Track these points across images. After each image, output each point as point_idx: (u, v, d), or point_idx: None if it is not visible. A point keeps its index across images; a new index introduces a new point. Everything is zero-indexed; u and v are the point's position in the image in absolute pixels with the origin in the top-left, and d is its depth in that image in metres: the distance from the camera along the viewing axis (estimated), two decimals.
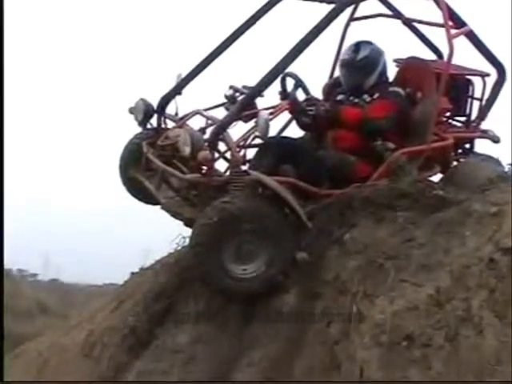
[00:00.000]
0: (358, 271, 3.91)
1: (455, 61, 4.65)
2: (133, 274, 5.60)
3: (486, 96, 4.96)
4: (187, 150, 4.15)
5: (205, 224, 3.95)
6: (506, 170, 4.77)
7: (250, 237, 4.00)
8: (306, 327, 3.91)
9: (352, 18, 5.13)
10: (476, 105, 5.01)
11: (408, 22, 5.10)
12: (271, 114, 4.60)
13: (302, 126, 4.75)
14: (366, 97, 4.67)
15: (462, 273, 3.54)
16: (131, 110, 4.94)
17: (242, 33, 4.83)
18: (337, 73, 5.09)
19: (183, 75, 4.92)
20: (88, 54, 18.15)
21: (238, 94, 4.69)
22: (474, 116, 5.02)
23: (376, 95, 4.63)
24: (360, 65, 4.65)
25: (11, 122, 6.29)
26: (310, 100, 4.52)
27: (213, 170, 4.18)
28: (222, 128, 4.22)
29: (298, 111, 4.56)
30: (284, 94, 4.65)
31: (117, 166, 5.05)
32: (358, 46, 4.71)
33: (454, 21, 4.56)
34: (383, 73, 4.74)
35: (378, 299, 3.74)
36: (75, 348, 5.01)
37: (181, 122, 4.73)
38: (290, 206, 4.05)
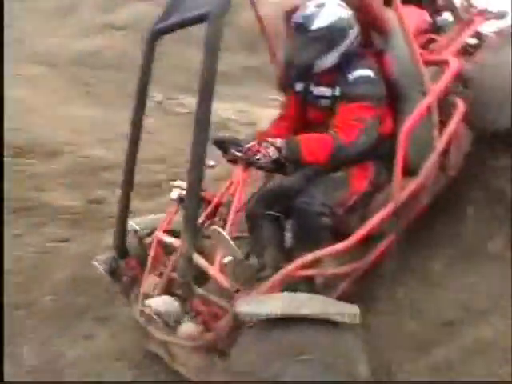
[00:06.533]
0: None
1: None
2: None
3: None
4: None
5: None
6: None
7: None
8: None
9: None
10: None
11: None
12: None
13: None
14: (338, 91, 3.36)
15: None
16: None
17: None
18: None
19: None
20: None
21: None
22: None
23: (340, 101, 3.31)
24: (313, 36, 3.30)
25: None
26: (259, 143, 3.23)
27: None
28: None
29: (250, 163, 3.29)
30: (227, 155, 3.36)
31: None
32: (318, 9, 3.32)
33: None
34: (350, 53, 3.35)
35: None
36: None
37: None
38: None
